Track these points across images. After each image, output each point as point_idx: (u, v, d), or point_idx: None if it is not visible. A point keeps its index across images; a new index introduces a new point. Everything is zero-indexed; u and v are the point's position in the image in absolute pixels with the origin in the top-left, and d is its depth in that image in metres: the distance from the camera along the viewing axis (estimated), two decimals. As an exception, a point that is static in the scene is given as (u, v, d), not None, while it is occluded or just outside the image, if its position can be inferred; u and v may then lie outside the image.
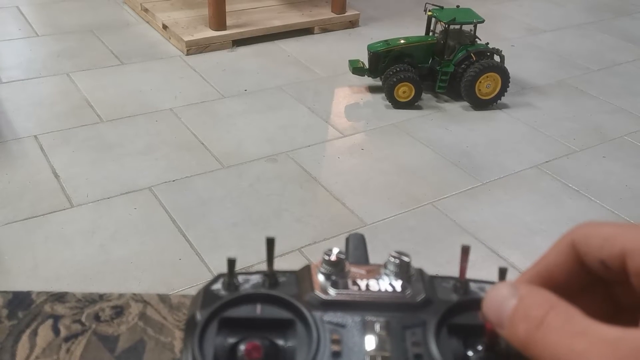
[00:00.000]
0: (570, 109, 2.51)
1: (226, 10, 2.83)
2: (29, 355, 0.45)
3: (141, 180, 1.90)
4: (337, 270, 0.31)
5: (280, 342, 0.28)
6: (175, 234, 1.70)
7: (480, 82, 2.36)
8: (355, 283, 0.31)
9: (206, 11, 2.86)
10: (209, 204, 1.82)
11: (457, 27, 2.39)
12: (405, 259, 0.31)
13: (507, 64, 2.41)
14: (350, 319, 0.29)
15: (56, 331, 0.48)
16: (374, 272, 0.32)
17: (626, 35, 3.29)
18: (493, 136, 2.28)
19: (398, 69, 2.36)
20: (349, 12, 3.15)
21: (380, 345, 0.28)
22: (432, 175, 2.02)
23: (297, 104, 2.41)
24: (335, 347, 0.27)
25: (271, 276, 0.31)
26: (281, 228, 1.74)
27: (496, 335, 0.27)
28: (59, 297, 0.51)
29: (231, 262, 0.30)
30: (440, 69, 2.41)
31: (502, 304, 0.25)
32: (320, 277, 0.31)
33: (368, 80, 2.55)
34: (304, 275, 0.31)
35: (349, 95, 2.50)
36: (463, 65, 2.38)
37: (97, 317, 0.49)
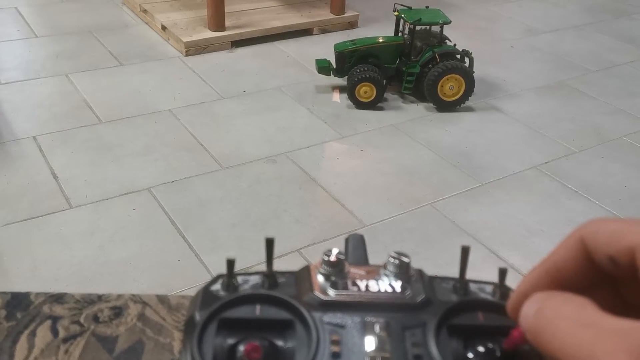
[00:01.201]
0: (569, 110, 2.51)
1: (225, 11, 2.83)
2: (27, 356, 0.45)
3: (140, 181, 1.90)
4: (336, 271, 0.31)
5: (280, 342, 0.28)
6: (174, 234, 1.70)
7: (442, 83, 2.34)
8: (354, 284, 0.30)
9: (205, 12, 2.86)
10: (208, 205, 1.82)
11: (425, 27, 2.37)
12: (405, 259, 0.31)
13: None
14: (350, 320, 0.29)
15: (55, 332, 0.48)
16: (374, 272, 0.31)
17: (625, 36, 3.29)
18: (492, 137, 2.28)
19: (361, 69, 2.34)
20: (348, 13, 3.15)
21: (380, 346, 0.28)
22: (431, 176, 2.02)
23: (296, 104, 2.41)
24: (335, 348, 0.27)
25: (270, 277, 0.31)
26: (280, 229, 1.74)
27: (519, 342, 0.27)
28: (58, 298, 0.51)
29: (230, 263, 0.30)
30: (406, 69, 2.39)
31: (529, 310, 0.26)
32: (320, 278, 0.31)
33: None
34: (303, 275, 0.31)
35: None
36: (429, 66, 2.36)
37: (95, 318, 0.49)
